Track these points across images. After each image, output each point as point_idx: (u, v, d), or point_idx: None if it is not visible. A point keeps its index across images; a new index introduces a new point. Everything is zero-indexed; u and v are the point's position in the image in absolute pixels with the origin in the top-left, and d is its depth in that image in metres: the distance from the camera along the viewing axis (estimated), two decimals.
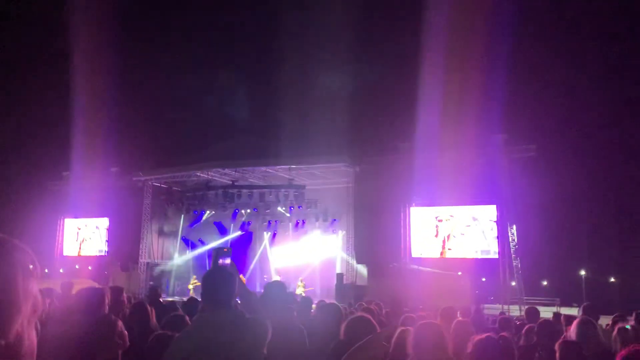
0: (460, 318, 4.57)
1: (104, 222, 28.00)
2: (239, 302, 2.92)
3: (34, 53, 34.18)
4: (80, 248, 28.87)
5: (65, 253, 29.35)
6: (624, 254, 47.47)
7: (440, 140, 19.92)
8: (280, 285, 3.91)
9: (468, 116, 19.25)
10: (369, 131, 24.63)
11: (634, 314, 5.43)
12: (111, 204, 26.29)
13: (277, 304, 3.43)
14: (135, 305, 4.52)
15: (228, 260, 2.91)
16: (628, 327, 3.95)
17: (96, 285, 23.90)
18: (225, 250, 2.95)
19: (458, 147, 20.10)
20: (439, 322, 5.56)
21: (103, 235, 28.08)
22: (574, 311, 14.52)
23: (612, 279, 48.24)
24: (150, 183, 26.09)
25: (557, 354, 3.14)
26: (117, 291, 4.61)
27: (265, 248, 27.82)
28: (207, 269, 2.92)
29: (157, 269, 26.17)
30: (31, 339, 0.94)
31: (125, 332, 2.77)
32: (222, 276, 2.78)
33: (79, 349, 2.50)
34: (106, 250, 27.82)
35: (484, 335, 2.88)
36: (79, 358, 2.48)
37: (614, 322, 4.95)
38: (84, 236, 28.82)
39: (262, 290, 3.92)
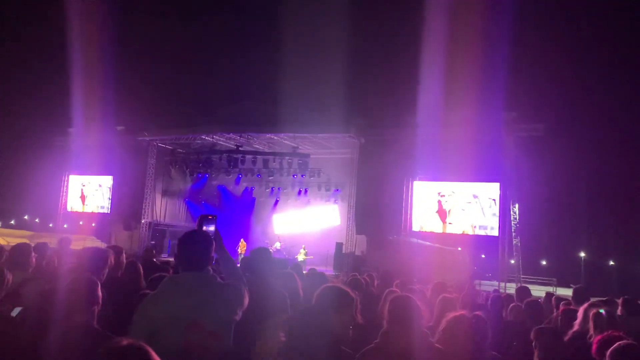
0: (446, 294, 4.58)
1: (107, 180, 28.18)
2: (221, 266, 2.90)
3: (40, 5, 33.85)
4: (84, 204, 29.13)
5: (69, 208, 29.63)
6: (623, 238, 47.53)
7: (447, 116, 19.73)
8: (265, 251, 3.90)
9: (476, 92, 19.01)
10: (376, 104, 24.41)
11: (621, 299, 5.43)
12: (115, 163, 26.39)
13: (261, 269, 3.44)
14: (127, 266, 4.57)
15: (212, 227, 2.90)
16: (602, 311, 3.96)
17: (98, 242, 24.26)
18: (210, 217, 2.94)
19: (464, 123, 19.91)
20: (429, 295, 5.61)
21: (106, 193, 28.29)
22: (570, 292, 14.61)
23: (611, 262, 48.41)
24: (155, 143, 26.11)
25: (533, 340, 3.17)
26: (117, 251, 4.65)
27: (267, 214, 27.99)
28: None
29: (158, 229, 26.41)
30: None
31: (100, 293, 2.77)
32: (197, 239, 2.75)
33: (55, 307, 2.52)
34: (109, 207, 28.07)
35: (457, 313, 2.90)
36: (53, 316, 2.49)
37: (590, 306, 4.94)
38: (88, 193, 29.04)
39: (249, 254, 3.93)
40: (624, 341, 2.55)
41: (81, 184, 29.28)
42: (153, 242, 24.82)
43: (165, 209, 27.38)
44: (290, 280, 4.08)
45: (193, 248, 2.71)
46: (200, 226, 2.87)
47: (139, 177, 26.28)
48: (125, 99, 27.07)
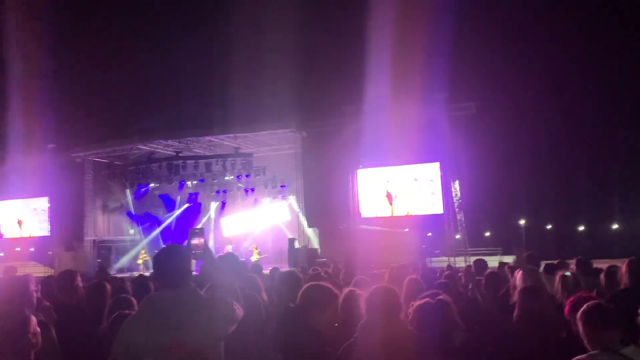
0: (412, 276, 4.72)
1: (43, 202, 26.90)
2: (213, 279, 2.77)
3: None
4: (20, 229, 27.71)
5: (4, 235, 28.10)
6: (559, 203, 50.25)
7: (385, 102, 20.11)
8: (232, 257, 3.85)
9: (411, 76, 19.48)
10: (314, 96, 24.55)
11: (575, 260, 5.77)
12: (50, 183, 25.21)
13: (230, 276, 3.41)
14: (92, 288, 4.34)
15: (199, 240, 2.84)
16: (568, 273, 4.23)
17: (40, 266, 23.18)
18: (197, 230, 2.89)
19: (402, 107, 20.38)
20: (387, 279, 5.74)
21: (43, 215, 27.01)
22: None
23: (549, 226, 51.02)
24: (90, 159, 25.16)
25: (519, 301, 3.27)
26: (69, 275, 4.42)
27: (214, 218, 27.59)
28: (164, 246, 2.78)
29: (104, 246, 25.55)
30: None
31: (39, 329, 2.56)
32: (174, 255, 2.63)
33: None
34: (49, 230, 26.82)
35: (422, 301, 3.01)
36: None
37: (554, 269, 5.26)
38: (23, 217, 27.64)
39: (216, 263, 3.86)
40: (592, 301, 2.73)
41: (14, 208, 27.81)
42: (99, 260, 23.99)
43: (108, 225, 26.47)
44: (253, 283, 4.06)
45: (171, 264, 2.59)
46: (190, 241, 2.81)
47: (77, 194, 25.25)
48: (53, 114, 25.88)
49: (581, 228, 49.40)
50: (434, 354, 2.55)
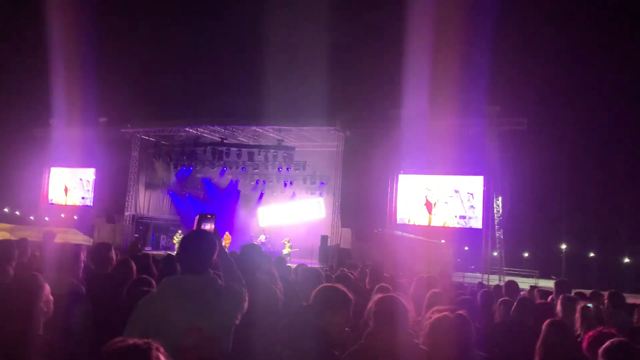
0: (436, 289, 4.60)
1: (90, 173, 27.83)
2: (220, 268, 2.80)
3: None
4: (66, 196, 28.76)
5: (50, 201, 29.24)
6: (603, 231, 48.36)
7: (432, 109, 19.83)
8: (255, 247, 3.85)
9: (461, 86, 19.12)
10: (361, 97, 24.43)
11: (607, 293, 5.49)
12: (98, 155, 26.04)
13: (251, 267, 3.41)
14: (120, 263, 4.43)
15: (211, 226, 2.84)
16: (590, 305, 4.01)
17: (80, 235, 24.00)
18: (210, 216, 2.88)
19: (449, 116, 20.03)
20: (413, 289, 5.62)
21: (89, 185, 27.96)
22: (551, 284, 14.84)
23: (591, 254, 49.17)
24: (138, 136, 25.82)
25: (543, 334, 3.13)
26: (105, 248, 4.51)
27: (252, 207, 27.90)
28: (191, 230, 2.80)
29: (142, 222, 26.21)
30: None
31: (52, 298, 2.59)
32: (201, 241, 2.68)
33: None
34: (92, 200, 27.75)
35: (441, 314, 2.90)
36: None
37: (574, 300, 5.01)
38: (70, 185, 28.66)
39: (239, 252, 3.86)
40: (617, 339, 2.56)
41: (63, 176, 28.89)
42: (137, 236, 24.62)
43: (148, 202, 27.14)
44: (272, 277, 4.03)
45: (196, 250, 2.63)
46: (199, 225, 2.81)
47: (122, 169, 25.97)
48: (108, 90, 26.71)
49: (626, 260, 47.45)
50: None
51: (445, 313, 2.95)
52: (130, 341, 1.57)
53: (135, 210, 26.03)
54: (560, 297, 4.39)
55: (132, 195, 25.89)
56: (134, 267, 4.44)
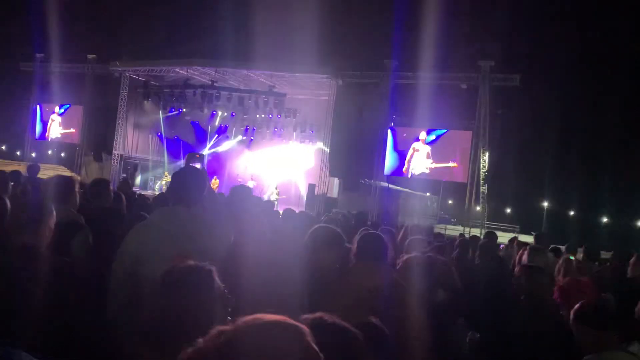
0: (416, 237, 4.80)
1: (78, 110, 27.46)
2: (205, 204, 2.92)
3: None
4: (52, 133, 28.45)
5: (37, 137, 28.94)
6: (585, 191, 49.31)
7: (425, 61, 19.66)
8: (246, 189, 3.93)
9: (454, 40, 18.93)
10: (355, 46, 24.06)
11: (583, 247, 5.76)
12: (86, 92, 25.68)
13: (242, 207, 3.51)
14: (114, 197, 4.52)
15: (199, 166, 2.94)
16: (572, 258, 4.24)
17: (67, 172, 23.95)
18: (198, 156, 2.99)
19: (441, 70, 19.92)
20: (400, 238, 5.85)
21: (76, 123, 27.63)
22: (530, 239, 15.31)
23: (572, 213, 50.30)
24: (127, 74, 25.39)
25: (520, 275, 3.29)
26: (105, 182, 4.59)
27: (240, 152, 27.89)
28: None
29: (130, 162, 26.16)
30: None
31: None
32: (192, 175, 2.76)
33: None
34: (79, 138, 27.51)
35: (412, 254, 3.12)
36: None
37: (561, 252, 5.28)
38: (58, 121, 28.31)
39: (229, 192, 3.95)
40: (588, 301, 2.67)
41: (50, 111, 28.49)
42: (124, 175, 24.63)
43: (137, 142, 26.99)
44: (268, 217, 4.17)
45: (186, 183, 2.71)
46: (188, 164, 2.91)
47: (111, 108, 25.67)
48: (97, 26, 26.00)
49: (604, 220, 48.68)
50: (414, 306, 2.64)
51: (417, 254, 3.16)
52: (191, 262, 1.70)
53: (123, 149, 25.92)
54: (528, 247, 4.63)
55: (120, 135, 25.71)
56: (125, 201, 4.58)
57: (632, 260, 4.45)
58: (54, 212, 2.69)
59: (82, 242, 2.97)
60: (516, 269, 3.62)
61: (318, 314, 1.42)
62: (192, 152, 2.80)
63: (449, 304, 3.18)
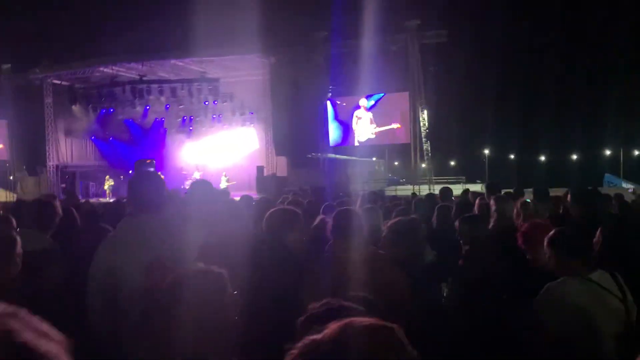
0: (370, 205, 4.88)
1: (1, 125, 25.88)
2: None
3: None
4: None
5: None
6: (522, 134, 51.52)
7: (355, 30, 19.70)
8: (206, 184, 3.82)
9: (383, 3, 18.98)
10: (283, 21, 23.74)
11: (532, 190, 6.01)
12: (7, 105, 24.21)
13: (204, 202, 3.43)
14: (64, 214, 4.29)
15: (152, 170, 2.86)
16: (528, 200, 4.42)
17: (1, 190, 22.71)
18: (148, 161, 2.91)
19: (373, 35, 20.02)
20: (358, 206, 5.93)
21: (3, 138, 26.05)
22: (477, 187, 15.88)
23: (512, 156, 52.44)
24: (49, 81, 24.15)
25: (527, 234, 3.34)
26: (52, 199, 4.38)
27: (182, 145, 27.24)
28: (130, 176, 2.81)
29: (67, 172, 25.10)
30: None
31: (21, 251, 2.59)
32: (149, 181, 2.71)
33: None
34: (8, 154, 26.01)
35: (396, 219, 3.19)
36: None
37: (514, 197, 5.49)
38: None
39: (188, 190, 3.86)
40: (559, 229, 2.82)
41: None
42: (64, 186, 23.65)
43: (71, 150, 25.91)
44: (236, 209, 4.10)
45: (149, 190, 2.63)
46: (139, 169, 2.81)
47: (37, 118, 24.43)
48: (7, 32, 24.44)
49: (542, 158, 51.06)
50: (402, 270, 2.71)
51: (400, 218, 3.22)
52: (202, 266, 1.70)
53: (58, 159, 24.82)
54: (493, 197, 4.79)
55: (52, 144, 24.58)
56: (78, 216, 4.40)
57: (567, 198, 4.71)
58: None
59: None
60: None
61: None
62: (140, 159, 2.66)
63: (436, 264, 3.28)
